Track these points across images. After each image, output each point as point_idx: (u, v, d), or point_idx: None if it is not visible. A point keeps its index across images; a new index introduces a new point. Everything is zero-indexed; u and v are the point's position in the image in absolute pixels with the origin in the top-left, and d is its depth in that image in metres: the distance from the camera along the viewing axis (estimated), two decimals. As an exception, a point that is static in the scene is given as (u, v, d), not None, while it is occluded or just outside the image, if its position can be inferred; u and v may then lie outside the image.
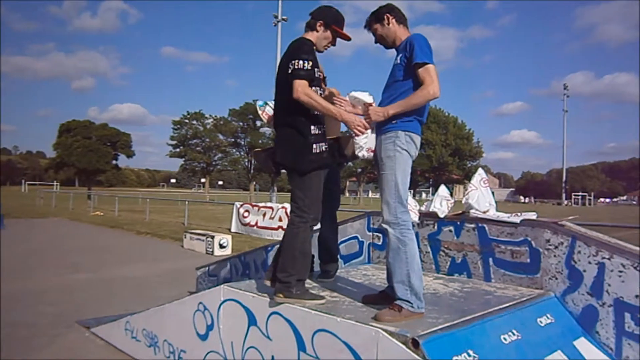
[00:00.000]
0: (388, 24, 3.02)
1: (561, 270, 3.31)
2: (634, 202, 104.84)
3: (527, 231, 3.48)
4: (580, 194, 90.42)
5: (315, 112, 3.03)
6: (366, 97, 2.96)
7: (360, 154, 2.95)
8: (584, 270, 3.20)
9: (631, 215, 36.28)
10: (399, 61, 2.87)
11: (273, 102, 3.80)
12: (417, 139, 2.88)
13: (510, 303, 3.01)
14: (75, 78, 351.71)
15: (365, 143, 2.91)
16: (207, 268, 6.38)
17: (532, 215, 3.64)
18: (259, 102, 3.95)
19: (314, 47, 3.14)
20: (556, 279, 3.33)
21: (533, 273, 3.44)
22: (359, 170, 55.66)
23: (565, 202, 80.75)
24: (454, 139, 55.75)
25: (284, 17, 42.80)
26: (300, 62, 2.95)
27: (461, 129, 58.11)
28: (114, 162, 55.24)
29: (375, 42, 3.15)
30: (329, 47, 3.29)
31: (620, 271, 3.04)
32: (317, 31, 3.21)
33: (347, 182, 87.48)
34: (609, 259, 3.09)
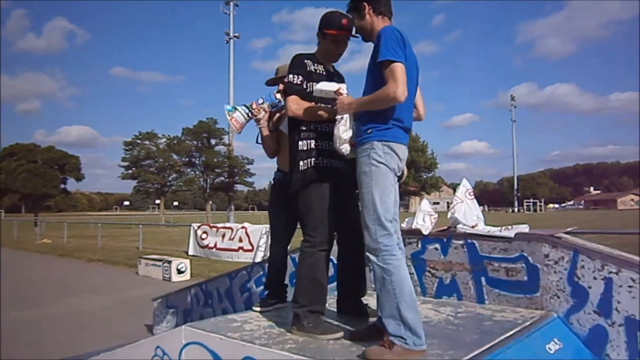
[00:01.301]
0: (365, 15, 2.68)
1: (563, 287, 2.99)
2: (581, 207, 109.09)
3: (523, 246, 3.16)
4: (531, 200, 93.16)
5: (307, 127, 2.90)
6: (333, 87, 2.70)
7: (343, 150, 2.64)
8: (589, 287, 2.89)
9: (582, 219, 37.40)
10: (370, 61, 2.55)
11: (243, 107, 3.45)
12: (400, 148, 2.52)
13: (515, 330, 2.66)
14: (19, 101, 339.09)
15: (344, 133, 2.60)
16: (164, 299, 5.81)
17: (525, 228, 3.34)
18: (227, 107, 3.52)
19: (309, 60, 3.00)
20: (558, 297, 3.01)
21: (532, 292, 3.12)
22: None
23: (518, 208, 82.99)
24: (409, 151, 56.28)
25: (235, 35, 42.60)
26: (290, 76, 2.92)
27: (415, 141, 58.91)
28: (62, 186, 52.88)
29: (356, 33, 2.83)
30: (341, 53, 3.14)
31: (630, 286, 2.74)
32: (320, 43, 3.11)
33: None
34: (616, 273, 2.80)
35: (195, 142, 45.57)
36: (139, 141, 45.22)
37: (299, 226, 3.65)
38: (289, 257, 3.70)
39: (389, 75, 2.37)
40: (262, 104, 3.47)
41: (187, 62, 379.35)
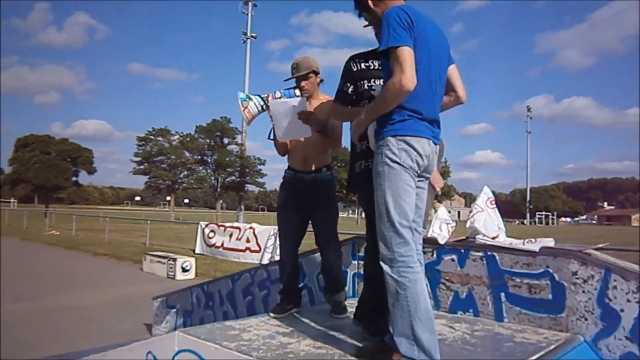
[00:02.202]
0: (370, 8, 2.48)
1: (592, 309, 2.73)
2: (594, 222, 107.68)
3: (548, 261, 2.90)
4: (543, 213, 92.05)
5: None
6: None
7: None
8: (622, 310, 2.63)
9: (596, 234, 36.78)
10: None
11: (257, 97, 3.21)
12: (419, 142, 2.20)
13: (539, 354, 2.41)
14: (38, 93, 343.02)
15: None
16: (165, 298, 5.61)
17: (550, 242, 3.08)
18: (241, 95, 3.23)
19: (357, 59, 2.89)
20: (586, 319, 2.75)
21: (556, 312, 2.86)
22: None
23: (529, 221, 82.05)
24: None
25: (253, 35, 42.53)
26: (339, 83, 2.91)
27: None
28: (74, 178, 53.21)
29: (373, 29, 2.63)
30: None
31: (668, 312, 2.49)
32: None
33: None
34: (653, 296, 2.54)
35: (208, 141, 45.58)
36: (152, 137, 45.32)
37: (310, 229, 3.49)
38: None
39: (394, 63, 2.10)
40: (280, 98, 3.21)
41: (204, 60, 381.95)
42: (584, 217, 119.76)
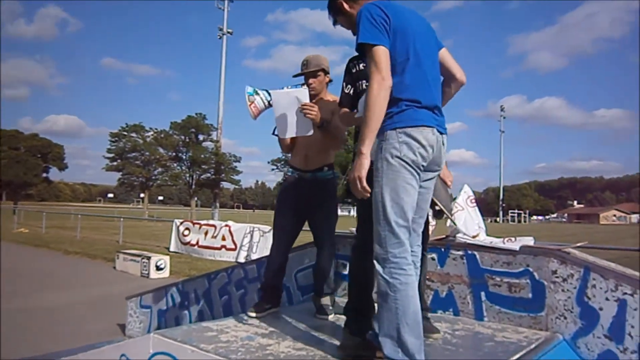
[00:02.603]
0: (345, 10, 2.43)
1: (571, 307, 2.74)
2: (564, 220, 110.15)
3: (529, 260, 2.90)
4: (516, 211, 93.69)
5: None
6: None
7: None
8: (601, 309, 2.64)
9: (567, 232, 37.62)
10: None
11: (264, 92, 3.10)
12: (422, 133, 2.07)
13: (521, 354, 2.40)
14: (6, 87, 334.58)
15: None
16: (139, 297, 5.48)
17: (530, 241, 3.08)
18: (249, 90, 3.11)
19: (355, 61, 2.81)
20: (565, 318, 2.76)
21: (536, 311, 2.86)
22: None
23: (502, 219, 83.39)
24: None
25: (229, 30, 42.11)
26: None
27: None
28: (44, 175, 52.03)
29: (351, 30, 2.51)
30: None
31: (646, 310, 2.50)
32: None
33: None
34: (631, 294, 2.55)
35: (182, 137, 45.00)
36: (125, 133, 44.58)
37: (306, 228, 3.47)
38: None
39: (370, 63, 2.05)
40: None
41: (179, 56, 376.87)
42: (555, 215, 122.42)
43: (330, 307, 3.25)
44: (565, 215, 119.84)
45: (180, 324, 4.67)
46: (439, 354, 2.40)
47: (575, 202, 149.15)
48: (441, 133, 2.19)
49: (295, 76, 3.37)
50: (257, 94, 3.09)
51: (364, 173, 2.01)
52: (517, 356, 2.36)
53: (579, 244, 3.04)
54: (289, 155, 3.57)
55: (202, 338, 2.54)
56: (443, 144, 2.22)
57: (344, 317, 2.74)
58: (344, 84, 2.84)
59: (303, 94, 3.04)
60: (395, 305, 2.00)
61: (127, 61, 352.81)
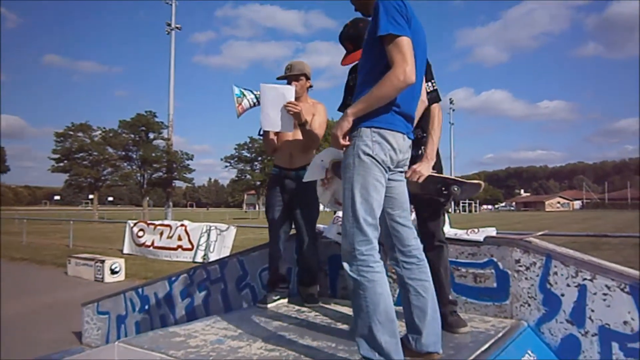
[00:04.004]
0: None
1: (534, 295, 2.82)
2: (512, 208, 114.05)
3: (492, 250, 2.96)
4: (466, 201, 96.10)
5: None
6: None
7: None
8: (562, 295, 2.73)
9: (514, 220, 38.95)
10: (366, 35, 2.17)
11: (250, 93, 3.29)
12: (394, 136, 2.09)
13: (490, 342, 2.45)
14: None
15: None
16: (95, 304, 5.29)
17: (492, 231, 3.15)
18: (236, 91, 3.29)
19: (348, 77, 3.04)
20: (529, 305, 2.84)
21: (501, 300, 2.93)
22: (258, 183, 54.69)
23: (453, 209, 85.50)
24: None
25: (177, 26, 41.16)
26: None
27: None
28: (-16, 178, 49.57)
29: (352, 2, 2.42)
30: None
31: (605, 294, 2.61)
32: None
33: (245, 195, 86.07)
34: (590, 280, 2.65)
35: (132, 136, 43.78)
36: (71, 133, 42.91)
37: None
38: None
39: (395, 53, 1.98)
40: None
41: (126, 52, 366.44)
42: (504, 204, 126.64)
43: (316, 297, 3.43)
44: (513, 203, 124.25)
45: (141, 330, 4.54)
46: (411, 347, 2.41)
47: (522, 191, 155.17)
48: (410, 139, 2.24)
49: (278, 78, 3.56)
50: (244, 96, 3.27)
51: (339, 133, 2.10)
52: (486, 345, 2.41)
53: (540, 233, 3.12)
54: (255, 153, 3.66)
55: (171, 344, 2.46)
56: (410, 148, 2.26)
57: (315, 312, 2.73)
58: (344, 95, 3.01)
59: (290, 91, 3.19)
60: (365, 304, 1.99)
61: (71, 58, 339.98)
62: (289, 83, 3.50)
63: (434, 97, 2.77)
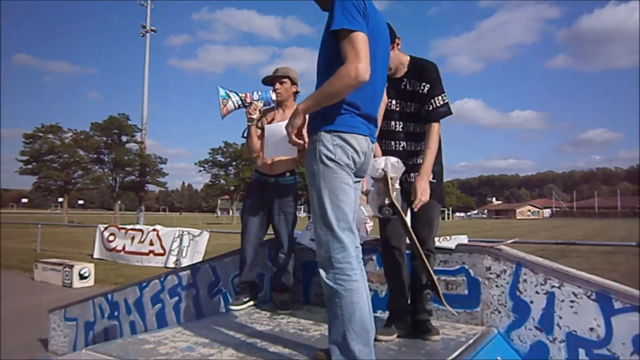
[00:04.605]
0: None
1: (505, 302, 2.86)
2: (484, 216, 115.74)
3: (464, 258, 3.00)
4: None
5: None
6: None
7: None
8: (531, 302, 2.78)
9: (486, 228, 39.53)
10: (324, 32, 2.09)
11: (235, 95, 3.26)
12: (355, 138, 2.05)
13: (461, 349, 2.47)
14: None
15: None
16: (63, 310, 5.15)
17: (464, 239, 3.19)
18: (222, 93, 3.26)
19: None
20: (499, 312, 2.88)
21: (472, 307, 2.96)
22: (232, 188, 54.30)
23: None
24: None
25: (152, 28, 40.74)
26: None
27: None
28: (-52, 180, 48.02)
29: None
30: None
31: (572, 301, 2.66)
32: None
33: (219, 200, 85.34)
34: (558, 287, 2.71)
35: (104, 138, 43.13)
36: (41, 134, 42.03)
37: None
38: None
39: (348, 49, 1.90)
40: (258, 100, 3.32)
41: (100, 54, 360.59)
42: (476, 211, 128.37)
43: (289, 303, 3.42)
44: (485, 211, 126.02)
45: (110, 337, 4.44)
46: (382, 354, 2.41)
47: (494, 199, 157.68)
48: (372, 142, 2.22)
49: (263, 81, 3.59)
50: (229, 97, 3.25)
51: (290, 129, 2.09)
52: (457, 352, 2.43)
53: (510, 241, 3.17)
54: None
55: (140, 351, 2.41)
56: (372, 151, 2.24)
57: (288, 319, 2.70)
58: None
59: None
60: (340, 312, 1.96)
61: (43, 58, 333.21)
62: (273, 85, 3.51)
63: (442, 112, 2.74)
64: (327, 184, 2.02)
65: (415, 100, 2.79)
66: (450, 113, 2.78)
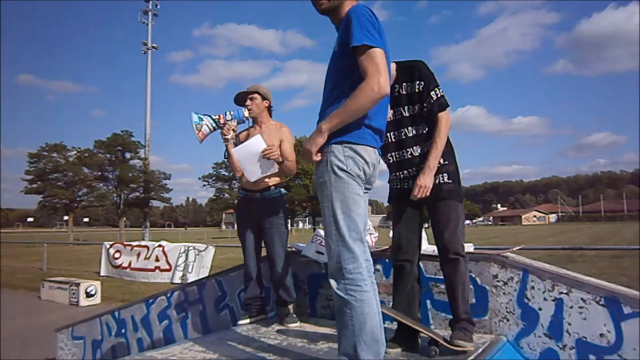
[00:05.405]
0: None
1: (513, 309, 2.84)
2: (490, 222, 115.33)
3: (471, 266, 2.97)
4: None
5: None
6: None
7: None
8: (540, 309, 2.76)
9: (492, 235, 39.35)
10: (336, 47, 2.14)
11: (208, 118, 3.34)
12: (366, 151, 2.08)
13: (471, 358, 2.45)
14: None
15: None
16: (70, 328, 5.15)
17: (470, 247, 3.18)
18: (195, 119, 3.33)
19: None
20: (508, 320, 2.86)
21: (480, 315, 2.94)
22: (236, 201, 54.27)
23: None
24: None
25: (154, 45, 41.17)
26: None
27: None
28: (-46, 201, 48.20)
29: (323, 13, 2.29)
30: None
31: (581, 307, 2.64)
32: None
33: (224, 214, 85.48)
34: (567, 293, 2.69)
35: (108, 156, 43.33)
36: (45, 153, 42.20)
37: None
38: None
39: (369, 64, 1.95)
40: (231, 120, 3.39)
41: (102, 72, 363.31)
42: (481, 218, 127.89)
43: (294, 315, 3.42)
44: (491, 218, 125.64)
45: (118, 355, 4.43)
46: (392, 366, 2.40)
47: (499, 205, 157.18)
48: (379, 154, 2.23)
49: (234, 99, 3.66)
50: (203, 121, 3.32)
51: (314, 149, 2.07)
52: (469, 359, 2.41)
53: (516, 247, 3.16)
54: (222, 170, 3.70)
55: (148, 369, 2.41)
56: (379, 163, 2.26)
57: (295, 332, 2.69)
58: None
59: (258, 141, 3.35)
60: (351, 322, 1.95)
61: (46, 77, 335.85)
62: (244, 102, 3.59)
63: (441, 103, 2.72)
64: (339, 194, 2.03)
65: (414, 102, 2.75)
66: (448, 105, 2.76)
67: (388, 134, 2.81)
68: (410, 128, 2.78)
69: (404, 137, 2.80)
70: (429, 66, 2.80)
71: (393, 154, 2.83)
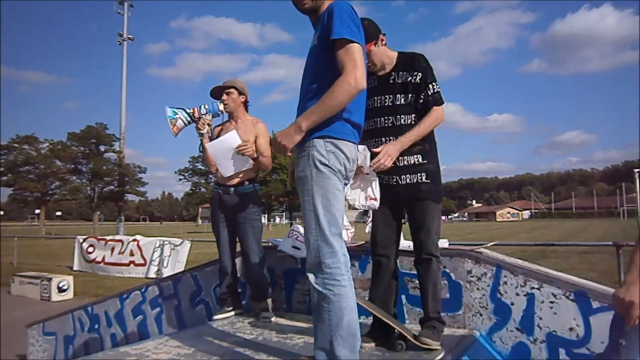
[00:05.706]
0: None
1: (486, 304, 2.90)
2: (465, 219, 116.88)
3: (445, 262, 3.01)
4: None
5: None
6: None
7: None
8: (512, 304, 2.82)
9: (467, 231, 39.91)
10: (316, 41, 2.13)
11: (183, 112, 3.35)
12: (347, 146, 2.09)
13: (444, 353, 2.48)
14: None
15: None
16: (41, 324, 5.06)
17: (445, 243, 3.22)
18: (169, 113, 3.34)
19: None
20: (481, 315, 2.91)
21: (454, 310, 2.99)
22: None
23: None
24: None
25: (129, 36, 40.40)
26: None
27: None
28: None
29: (305, 12, 2.26)
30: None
31: (552, 302, 2.70)
32: None
33: (200, 209, 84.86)
34: (538, 289, 2.75)
35: (82, 148, 42.46)
36: (16, 145, 41.17)
37: None
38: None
39: (346, 59, 1.97)
40: (205, 114, 3.40)
41: (76, 62, 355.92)
42: (457, 214, 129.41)
43: (270, 310, 3.42)
44: (466, 214, 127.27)
45: (91, 350, 4.37)
46: (366, 360, 2.42)
47: (474, 202, 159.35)
48: (357, 150, 2.25)
49: (210, 93, 3.61)
50: (177, 115, 3.33)
51: (290, 146, 2.07)
52: (440, 356, 2.44)
53: (490, 243, 3.21)
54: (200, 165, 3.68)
55: (122, 365, 2.39)
56: (357, 159, 2.27)
57: (270, 327, 2.69)
58: None
59: (233, 136, 3.34)
60: (328, 317, 1.96)
61: (17, 67, 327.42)
62: (220, 96, 3.56)
63: (437, 98, 2.73)
64: (320, 189, 2.03)
65: (408, 91, 2.73)
66: (443, 102, 2.77)
67: (384, 118, 2.77)
68: (400, 116, 2.73)
69: (388, 125, 2.75)
70: (428, 61, 2.81)
71: (370, 141, 2.75)
